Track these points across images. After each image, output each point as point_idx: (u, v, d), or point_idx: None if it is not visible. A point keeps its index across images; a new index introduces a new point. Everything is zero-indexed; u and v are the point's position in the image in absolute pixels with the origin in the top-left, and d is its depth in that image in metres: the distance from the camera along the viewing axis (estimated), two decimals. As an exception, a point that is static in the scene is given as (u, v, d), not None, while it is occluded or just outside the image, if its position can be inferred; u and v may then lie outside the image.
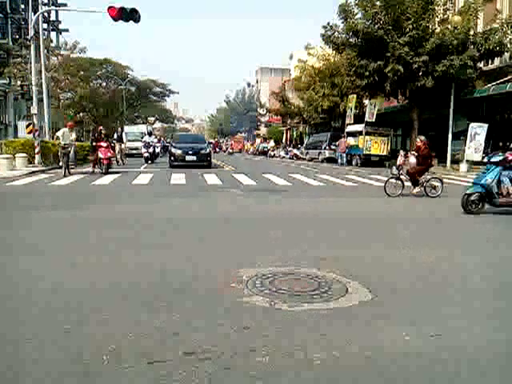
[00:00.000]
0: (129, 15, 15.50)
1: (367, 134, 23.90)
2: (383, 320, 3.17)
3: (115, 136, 22.75)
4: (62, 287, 3.78)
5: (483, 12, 21.51)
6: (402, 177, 10.84)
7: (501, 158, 8.35)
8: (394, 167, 11.05)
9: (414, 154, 11.03)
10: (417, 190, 10.86)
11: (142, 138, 26.56)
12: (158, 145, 26.31)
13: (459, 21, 19.98)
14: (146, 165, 21.49)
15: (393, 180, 10.82)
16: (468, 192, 8.26)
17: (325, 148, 28.95)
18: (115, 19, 15.46)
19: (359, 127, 24.95)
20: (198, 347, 2.71)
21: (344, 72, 24.95)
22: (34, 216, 7.43)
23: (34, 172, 15.68)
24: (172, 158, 19.86)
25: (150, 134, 25.50)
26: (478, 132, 19.87)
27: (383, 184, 10.91)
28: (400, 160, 10.95)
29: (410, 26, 20.63)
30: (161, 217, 7.49)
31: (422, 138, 11.45)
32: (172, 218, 7.42)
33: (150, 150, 23.18)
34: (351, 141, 25.37)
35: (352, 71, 22.65)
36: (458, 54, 19.98)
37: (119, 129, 26.50)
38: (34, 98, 19.60)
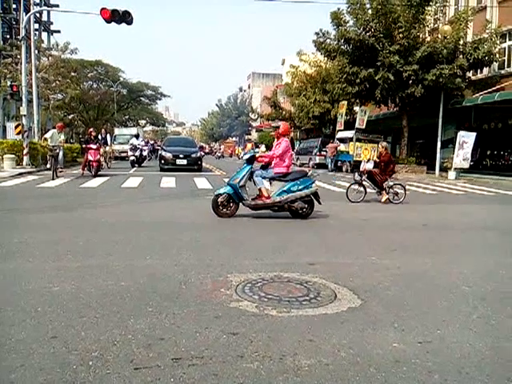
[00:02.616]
0: (121, 17, 15.45)
1: (357, 140, 24.00)
2: (372, 326, 3.18)
3: (99, 138, 21.76)
4: (49, 291, 3.73)
5: (473, 22, 21.85)
6: (364, 183, 10.74)
7: (250, 155, 7.98)
8: (357, 173, 10.92)
9: (375, 161, 11.00)
10: (384, 198, 10.66)
11: (129, 141, 25.94)
12: (145, 148, 25.31)
13: (449, 30, 20.26)
14: (135, 168, 21.34)
15: (355, 186, 10.77)
16: (217, 193, 7.82)
17: (315, 154, 29.07)
18: (108, 21, 15.40)
19: (350, 133, 25.06)
20: (186, 353, 2.69)
21: (335, 79, 25.09)
22: (21, 218, 7.34)
23: (22, 173, 15.54)
24: (162, 162, 19.77)
25: (137, 136, 24.25)
26: (466, 140, 20.16)
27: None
28: (363, 166, 10.89)
29: (401, 35, 20.90)
30: (149, 221, 7.44)
31: (384, 144, 11.43)
32: (161, 222, 7.38)
33: (137, 153, 22.43)
34: (341, 147, 25.46)
35: (343, 78, 22.81)
36: (448, 63, 20.26)
37: (103, 130, 25.47)
38: (24, 99, 19.42)
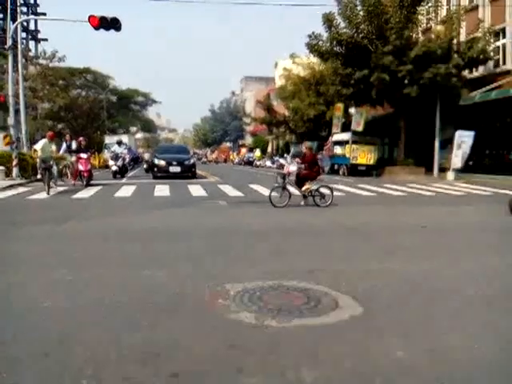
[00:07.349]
0: (110, 24, 15.37)
1: (354, 142, 23.71)
2: (375, 335, 3.08)
3: (64, 146, 18.83)
4: (41, 306, 3.61)
5: (466, 21, 21.89)
6: (288, 186, 10.16)
7: None
8: (279, 177, 10.25)
9: (298, 162, 10.55)
10: (305, 187, 10.05)
11: (109, 148, 23.56)
12: (127, 156, 21.98)
13: (442, 30, 20.29)
14: (125, 177, 20.24)
15: (279, 190, 10.09)
16: None
17: (311, 157, 28.92)
18: (96, 28, 15.31)
19: (346, 136, 24.79)
20: (183, 368, 2.58)
21: (329, 81, 25.00)
22: (12, 231, 7.20)
23: (11, 185, 15.13)
24: (155, 169, 19.50)
25: (119, 143, 21.77)
26: (465, 140, 19.95)
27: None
28: (286, 169, 10.46)
29: (394, 36, 20.85)
30: (144, 231, 7.29)
31: (308, 144, 11.06)
32: (156, 232, 7.24)
33: (119, 162, 19.93)
34: (338, 150, 25.26)
35: (337, 80, 22.76)
36: (443, 62, 20.23)
37: (67, 136, 21.80)
38: (11, 109, 18.98)
